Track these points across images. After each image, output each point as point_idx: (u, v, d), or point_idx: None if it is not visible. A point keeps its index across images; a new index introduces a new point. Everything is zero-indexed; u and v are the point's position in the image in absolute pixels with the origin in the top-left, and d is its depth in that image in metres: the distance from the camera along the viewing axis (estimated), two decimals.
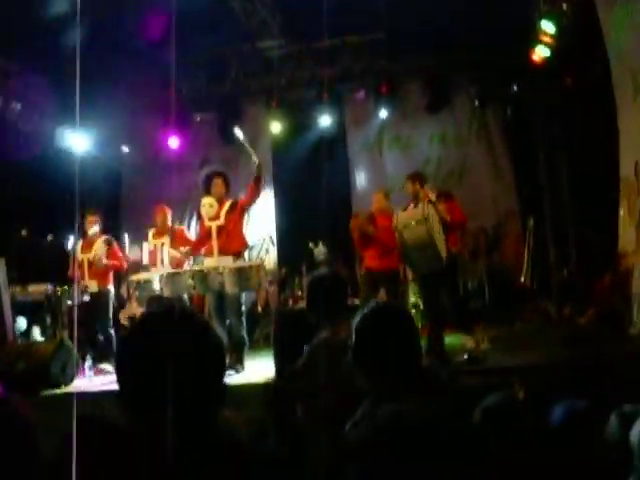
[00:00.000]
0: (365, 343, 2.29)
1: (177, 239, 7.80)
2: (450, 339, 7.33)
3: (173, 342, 1.61)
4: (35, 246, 8.67)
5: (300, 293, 9.57)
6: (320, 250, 10.13)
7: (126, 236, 8.51)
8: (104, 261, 7.87)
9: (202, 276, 6.93)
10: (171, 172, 12.35)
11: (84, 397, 6.29)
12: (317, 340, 3.43)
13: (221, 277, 6.79)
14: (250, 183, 7.33)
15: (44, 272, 8.84)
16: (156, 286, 7.32)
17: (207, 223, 7.09)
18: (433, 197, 6.66)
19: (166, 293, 7.12)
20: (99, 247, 7.88)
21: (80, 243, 8.12)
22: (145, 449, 1.58)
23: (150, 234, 7.97)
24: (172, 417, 1.57)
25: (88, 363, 7.24)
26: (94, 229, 8.03)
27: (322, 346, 3.29)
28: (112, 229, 8.59)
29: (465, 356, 6.27)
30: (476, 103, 11.35)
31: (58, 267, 8.65)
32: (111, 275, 8.15)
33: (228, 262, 6.89)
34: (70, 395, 6.50)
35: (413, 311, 8.36)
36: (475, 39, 10.46)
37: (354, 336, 2.34)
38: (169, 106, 10.58)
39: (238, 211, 7.12)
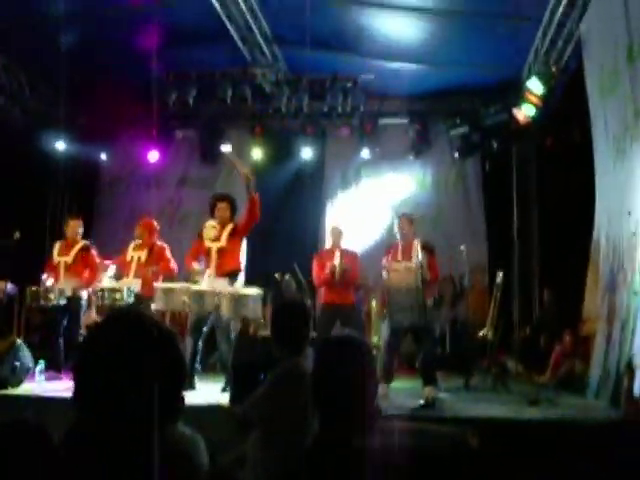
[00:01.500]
0: (322, 373, 2.24)
1: (155, 255, 7.74)
2: (408, 384, 7.34)
3: (130, 351, 1.58)
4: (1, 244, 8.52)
5: (262, 321, 9.47)
6: (287, 282, 10.08)
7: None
8: (73, 283, 7.83)
9: (199, 296, 6.82)
10: (148, 186, 12.30)
11: (29, 401, 6.18)
12: (280, 370, 3.40)
13: (217, 299, 6.72)
14: (247, 205, 7.35)
15: (6, 271, 8.67)
16: (124, 296, 7.21)
17: (208, 244, 7.23)
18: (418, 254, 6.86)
19: (159, 307, 7.02)
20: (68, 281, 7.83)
21: (58, 245, 8.10)
22: (93, 455, 1.54)
23: (131, 245, 7.85)
24: (123, 425, 1.54)
25: (39, 367, 7.09)
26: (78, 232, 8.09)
27: (285, 376, 3.26)
28: (84, 236, 8.44)
29: (421, 402, 6.25)
30: (456, 155, 11.50)
31: (23, 266, 8.50)
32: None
33: (224, 284, 6.91)
34: (15, 398, 6.38)
35: (375, 351, 8.34)
36: (463, 89, 10.66)
37: (312, 365, 2.28)
38: (152, 119, 10.55)
39: (238, 234, 7.32)
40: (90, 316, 8.20)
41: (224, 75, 10.69)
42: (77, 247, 8.06)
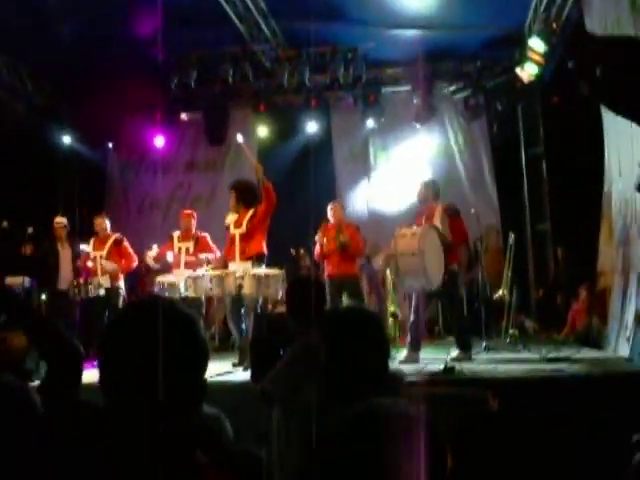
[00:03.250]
0: (331, 345, 2.27)
1: (200, 245, 8.03)
2: (430, 348, 7.40)
3: (153, 334, 1.60)
4: (15, 238, 8.65)
5: (279, 297, 9.53)
6: (302, 256, 10.14)
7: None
8: (112, 267, 8.32)
9: (219, 279, 7.13)
10: (157, 171, 12.33)
11: None
12: (298, 344, 3.43)
13: (240, 281, 6.98)
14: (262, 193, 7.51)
15: (22, 265, 8.78)
16: (181, 289, 7.47)
17: (232, 231, 7.49)
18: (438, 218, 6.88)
19: (190, 294, 7.44)
20: (107, 264, 8.31)
21: (92, 241, 8.50)
22: (121, 439, 1.57)
23: (175, 238, 8.11)
24: (149, 409, 1.57)
25: None
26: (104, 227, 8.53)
27: (302, 351, 3.29)
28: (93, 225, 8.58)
29: (441, 366, 6.28)
30: (461, 119, 11.46)
31: (36, 261, 8.64)
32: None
33: (247, 267, 7.16)
34: None
35: (391, 320, 8.43)
36: (465, 52, 10.57)
37: (322, 337, 2.31)
38: (156, 104, 10.53)
39: (258, 219, 7.39)
40: None
41: (224, 55, 10.65)
42: (110, 241, 8.47)
